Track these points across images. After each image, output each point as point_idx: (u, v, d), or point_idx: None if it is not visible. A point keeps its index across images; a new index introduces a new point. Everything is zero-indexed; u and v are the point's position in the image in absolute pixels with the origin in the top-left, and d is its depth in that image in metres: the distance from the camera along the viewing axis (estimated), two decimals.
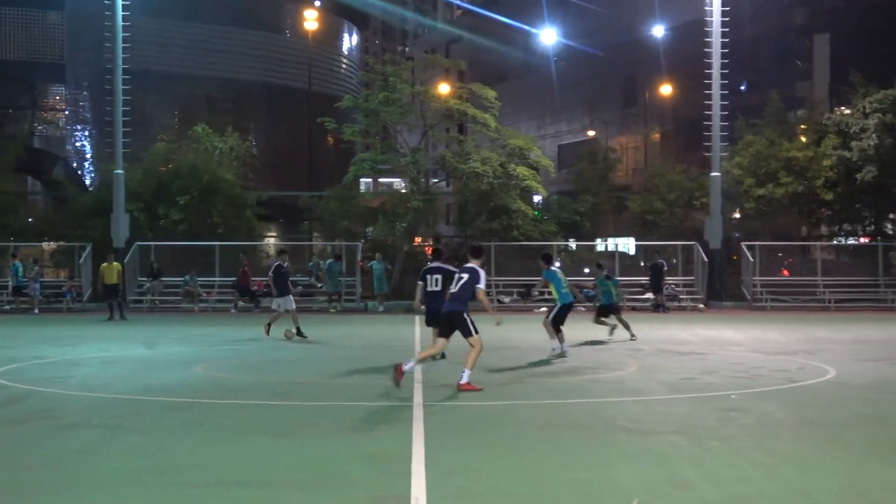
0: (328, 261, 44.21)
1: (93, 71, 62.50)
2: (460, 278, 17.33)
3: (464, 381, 16.73)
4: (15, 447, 12.04)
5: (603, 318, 27.48)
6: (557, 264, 24.16)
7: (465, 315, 17.16)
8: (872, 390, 16.94)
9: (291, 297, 27.88)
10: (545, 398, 16.12)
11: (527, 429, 13.00)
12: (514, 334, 28.32)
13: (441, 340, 17.54)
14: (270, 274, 28.25)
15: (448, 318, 17.30)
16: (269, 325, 27.38)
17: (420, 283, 21.09)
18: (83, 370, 20.33)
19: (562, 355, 22.52)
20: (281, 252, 30.62)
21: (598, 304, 27.97)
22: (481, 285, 17.22)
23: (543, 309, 42.58)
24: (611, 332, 27.16)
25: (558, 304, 23.28)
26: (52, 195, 56.73)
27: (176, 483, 10.08)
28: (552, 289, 23.50)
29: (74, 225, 47.14)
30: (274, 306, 28.10)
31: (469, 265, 17.56)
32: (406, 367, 16.72)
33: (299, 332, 27.10)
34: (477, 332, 17.06)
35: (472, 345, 17.05)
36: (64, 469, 10.81)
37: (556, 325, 23.17)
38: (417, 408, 14.60)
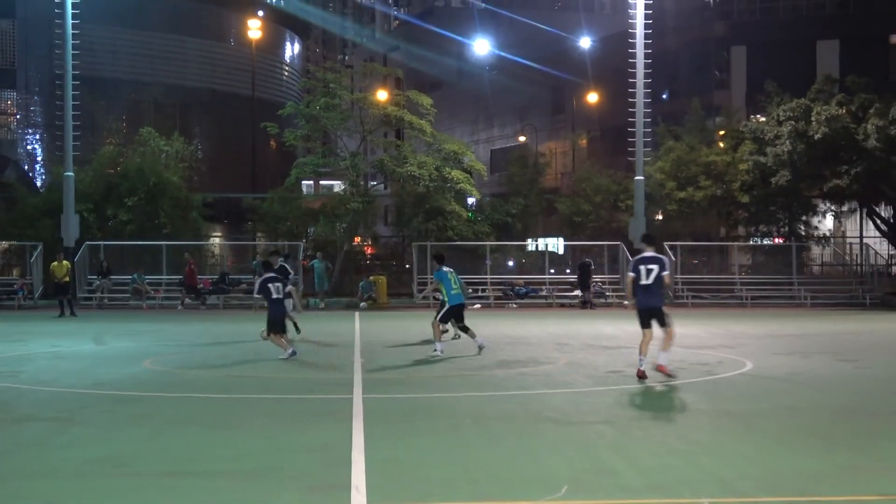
0: (314, 261, 44.08)
1: (43, 76, 61.84)
2: (650, 270, 17.34)
3: (663, 362, 17.23)
4: None
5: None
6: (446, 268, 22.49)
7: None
8: (786, 382, 17.14)
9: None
10: (478, 391, 16.17)
11: (461, 420, 13.03)
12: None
13: (647, 331, 17.62)
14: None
15: (651, 312, 17.54)
16: (294, 325, 25.53)
17: (632, 274, 17.65)
18: (34, 365, 20.11)
19: (480, 347, 21.65)
20: (273, 252, 27.57)
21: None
22: (667, 272, 17.63)
23: (477, 305, 42.78)
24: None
25: (447, 305, 22.04)
26: (3, 197, 55.91)
27: (126, 474, 10.02)
28: (442, 290, 22.15)
29: (25, 225, 46.58)
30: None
31: (652, 254, 17.62)
32: (662, 362, 17.20)
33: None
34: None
35: (670, 333, 17.56)
36: (15, 461, 10.70)
37: (444, 320, 22.17)
38: (357, 400, 14.59)
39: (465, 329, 22.26)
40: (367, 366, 19.37)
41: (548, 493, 9.06)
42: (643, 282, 17.42)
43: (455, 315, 22.34)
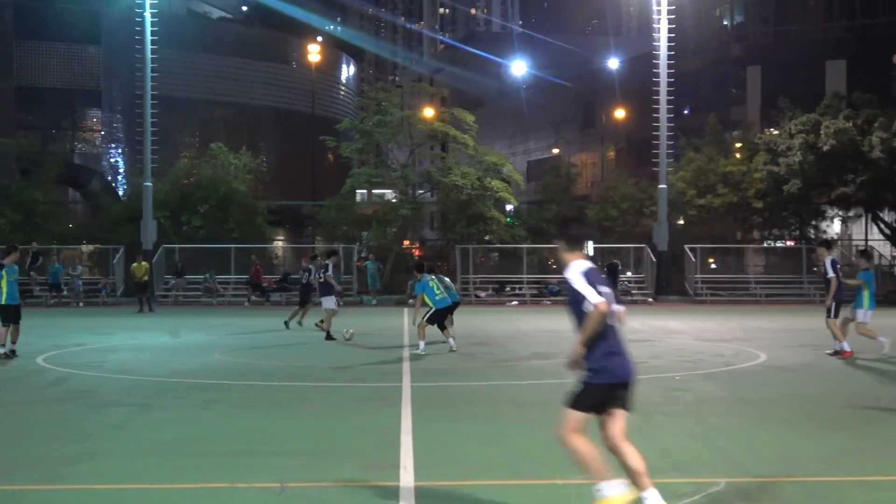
0: (367, 262, 44.41)
1: (125, 97, 62.25)
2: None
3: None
4: (57, 423, 12.03)
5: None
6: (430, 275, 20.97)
7: None
8: (797, 372, 17.00)
9: (334, 297, 24.55)
10: (516, 379, 16.15)
11: (502, 406, 13.03)
12: (488, 325, 28.32)
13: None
14: (326, 274, 24.29)
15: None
16: (323, 327, 24.72)
17: (833, 275, 18.64)
18: (117, 355, 20.29)
19: (452, 349, 20.34)
20: (331, 253, 26.62)
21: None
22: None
23: (514, 302, 42.73)
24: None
25: (433, 308, 20.25)
26: (89, 205, 56.46)
27: (198, 453, 10.10)
28: (426, 298, 20.20)
29: (109, 230, 47.08)
30: (331, 305, 24.22)
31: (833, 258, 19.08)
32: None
33: (314, 324, 26.36)
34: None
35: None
36: (100, 441, 10.80)
37: (431, 322, 20.32)
38: (406, 388, 14.62)
39: (443, 328, 20.68)
40: (414, 357, 19.38)
41: (577, 471, 9.03)
42: (840, 279, 18.77)
43: (442, 317, 20.54)
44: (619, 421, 7.35)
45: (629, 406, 7.40)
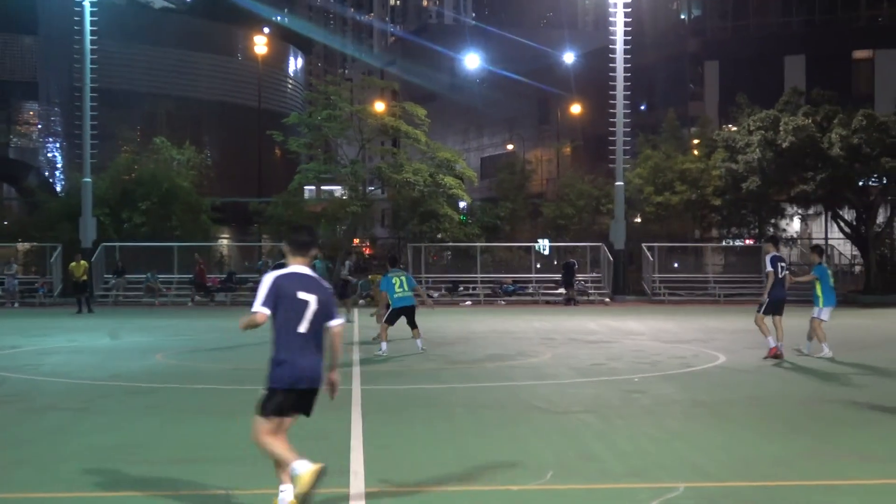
0: (315, 261, 43.98)
1: (63, 89, 61.65)
2: (783, 266, 19.35)
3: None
4: None
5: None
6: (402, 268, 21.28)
7: None
8: (756, 374, 17.15)
9: None
10: (469, 382, 16.16)
11: (454, 409, 13.04)
12: (441, 326, 28.34)
13: (777, 318, 19.39)
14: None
15: (781, 302, 19.36)
16: None
17: (771, 269, 19.14)
18: (53, 358, 20.07)
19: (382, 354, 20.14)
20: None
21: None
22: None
23: (468, 303, 42.80)
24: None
25: (391, 307, 20.83)
26: (25, 201, 55.84)
27: (140, 460, 10.00)
28: (388, 297, 20.95)
29: (46, 228, 46.59)
30: None
31: (780, 254, 19.89)
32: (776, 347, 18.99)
33: None
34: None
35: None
36: (35, 447, 10.68)
37: (390, 322, 20.79)
38: (356, 391, 14.58)
39: (413, 326, 20.88)
40: (364, 359, 19.34)
41: (535, 478, 9.06)
42: (779, 276, 19.17)
43: (402, 315, 20.69)
44: (285, 421, 7.94)
45: (307, 410, 7.99)
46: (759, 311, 19.34)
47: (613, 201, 46.42)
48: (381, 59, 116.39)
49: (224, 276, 45.78)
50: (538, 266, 47.49)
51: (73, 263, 37.05)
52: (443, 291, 44.74)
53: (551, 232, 51.16)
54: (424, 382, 16.23)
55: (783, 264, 19.44)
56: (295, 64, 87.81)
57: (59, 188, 62.10)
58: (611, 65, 46.00)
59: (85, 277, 36.88)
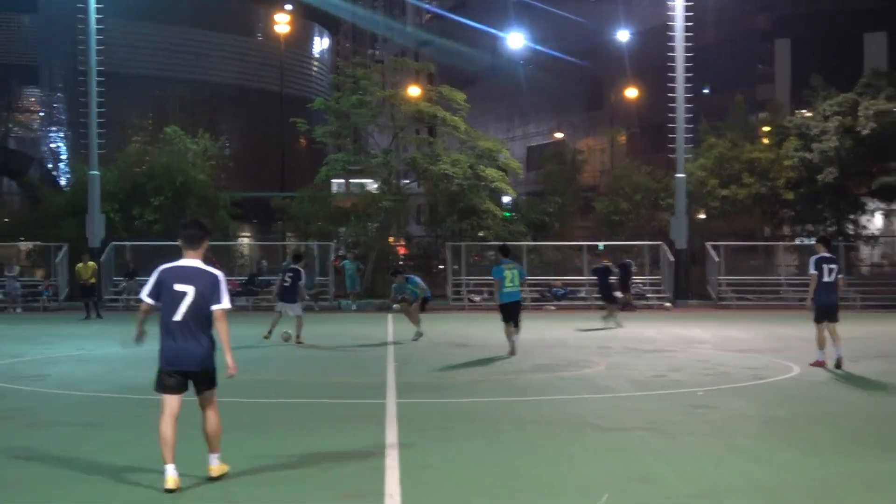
0: (345, 261, 44.30)
1: (67, 73, 62.14)
2: (831, 269, 19.44)
3: (842, 355, 19.14)
4: None
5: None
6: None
7: None
8: (835, 386, 17.05)
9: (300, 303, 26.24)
10: (515, 395, 16.15)
11: (497, 425, 13.04)
12: (483, 333, 28.35)
13: (821, 326, 19.49)
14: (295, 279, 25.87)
15: (830, 308, 19.38)
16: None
17: (815, 272, 19.47)
18: (60, 368, 20.25)
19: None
20: (298, 256, 27.59)
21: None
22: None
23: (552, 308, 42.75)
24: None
25: (500, 303, 22.95)
26: (27, 196, 56.31)
27: (155, 480, 10.06)
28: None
29: (50, 225, 46.89)
30: (294, 312, 25.77)
31: (830, 255, 19.84)
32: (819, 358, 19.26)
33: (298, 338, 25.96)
34: None
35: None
36: (42, 466, 10.77)
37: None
38: (391, 405, 14.61)
39: (516, 323, 22.83)
40: (400, 369, 19.38)
41: (588, 500, 9.05)
42: (825, 279, 19.26)
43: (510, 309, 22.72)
44: (200, 400, 10.07)
45: (199, 388, 10.02)
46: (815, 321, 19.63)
47: (674, 195, 46.21)
48: (416, 38, 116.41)
49: (244, 278, 45.94)
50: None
51: (80, 264, 37.28)
52: (485, 295, 44.71)
53: (605, 229, 51.03)
54: (466, 395, 16.23)
55: (832, 266, 19.57)
56: (320, 44, 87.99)
57: (63, 182, 62.55)
58: (670, 44, 45.79)
59: (93, 280, 37.13)
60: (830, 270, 19.35)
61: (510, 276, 22.40)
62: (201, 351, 9.90)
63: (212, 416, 10.13)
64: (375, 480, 9.81)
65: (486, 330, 29.26)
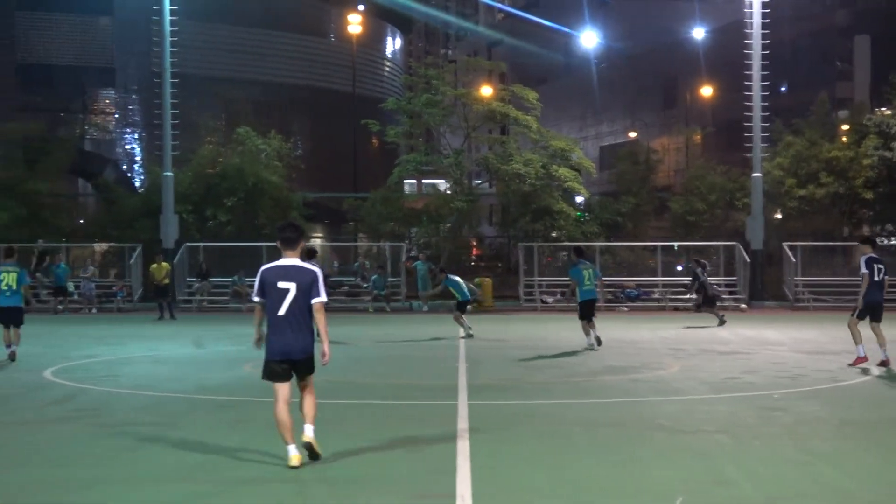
0: (417, 262, 44.46)
1: (142, 75, 62.86)
2: (880, 269, 19.78)
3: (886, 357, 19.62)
4: (65, 445, 12.18)
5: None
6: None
7: None
8: None
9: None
10: (586, 397, 16.12)
11: (569, 427, 13.01)
12: (555, 335, 28.30)
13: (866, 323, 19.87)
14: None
15: (877, 306, 19.79)
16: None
17: (866, 271, 19.69)
18: (133, 369, 20.50)
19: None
20: (311, 252, 27.67)
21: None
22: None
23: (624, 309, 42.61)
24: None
25: (580, 301, 24.59)
26: (102, 197, 56.98)
27: (225, 480, 10.18)
28: (454, 291, 28.17)
29: (124, 226, 47.45)
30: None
31: (877, 255, 20.07)
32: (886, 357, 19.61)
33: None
34: None
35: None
36: (113, 466, 10.92)
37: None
38: (462, 406, 14.63)
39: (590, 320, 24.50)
40: (471, 371, 19.41)
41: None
42: (875, 279, 19.64)
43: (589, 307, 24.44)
44: (301, 384, 11.01)
45: (301, 374, 10.89)
46: (853, 316, 19.91)
47: (750, 195, 45.83)
48: (488, 38, 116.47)
49: None
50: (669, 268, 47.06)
51: (154, 265, 37.71)
52: (558, 296, 44.59)
53: (679, 230, 50.70)
54: (536, 397, 16.23)
55: (880, 266, 19.90)
56: (393, 44, 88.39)
57: (137, 183, 63.33)
58: (746, 41, 45.42)
59: (167, 281, 37.54)
60: (879, 270, 19.75)
61: (587, 275, 24.12)
62: (304, 340, 10.78)
63: (309, 398, 11.07)
64: (446, 482, 9.84)
65: (559, 331, 29.27)
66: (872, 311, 19.75)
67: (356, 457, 11.22)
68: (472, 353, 22.91)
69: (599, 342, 23.96)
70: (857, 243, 41.00)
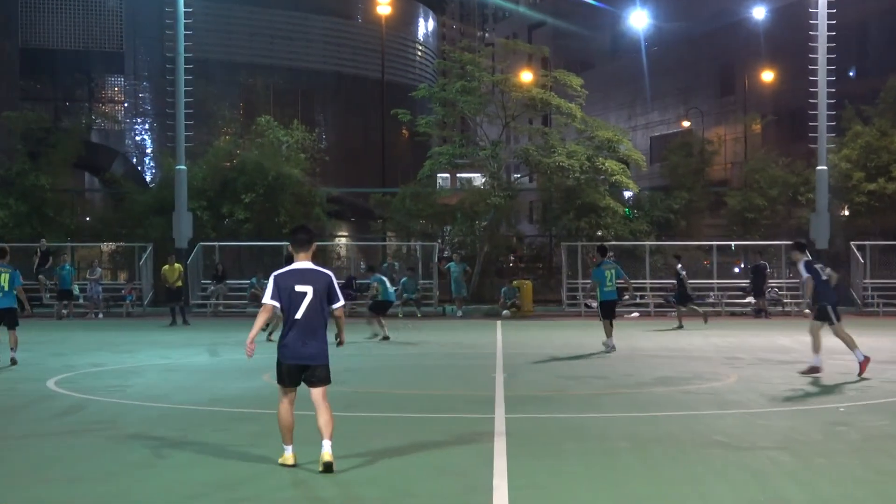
0: (450, 263, 44.48)
1: (153, 60, 62.96)
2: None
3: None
4: (71, 459, 12.28)
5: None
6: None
7: None
8: None
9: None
10: (634, 411, 16.12)
11: (615, 443, 13.02)
12: (596, 342, 28.28)
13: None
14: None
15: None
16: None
17: (808, 274, 20.84)
18: (143, 378, 20.61)
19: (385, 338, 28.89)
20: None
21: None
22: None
23: (635, 314, 42.55)
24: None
25: (601, 301, 26.39)
26: (110, 193, 57.25)
27: (242, 498, 10.24)
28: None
29: (134, 224, 47.52)
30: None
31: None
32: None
33: None
34: None
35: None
36: (122, 482, 11.00)
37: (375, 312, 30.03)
38: (499, 420, 14.66)
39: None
40: (509, 381, 19.43)
41: None
42: (823, 278, 20.71)
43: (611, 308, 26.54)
44: (311, 392, 11.53)
45: (314, 382, 11.46)
46: (832, 322, 20.92)
47: (814, 190, 45.68)
48: (529, 18, 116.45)
49: (342, 281, 46.27)
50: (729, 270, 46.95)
51: (166, 266, 37.79)
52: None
53: (737, 228, 50.54)
54: (580, 410, 16.24)
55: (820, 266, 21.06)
56: (425, 27, 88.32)
57: (148, 178, 63.56)
58: (811, 21, 45.25)
59: (180, 283, 37.61)
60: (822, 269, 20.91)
61: (609, 275, 26.00)
62: (318, 346, 11.49)
63: (325, 412, 11.53)
64: (482, 502, 9.89)
65: (602, 338, 29.18)
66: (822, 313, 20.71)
67: (385, 474, 11.28)
68: (509, 362, 22.92)
69: (613, 349, 25.51)
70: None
